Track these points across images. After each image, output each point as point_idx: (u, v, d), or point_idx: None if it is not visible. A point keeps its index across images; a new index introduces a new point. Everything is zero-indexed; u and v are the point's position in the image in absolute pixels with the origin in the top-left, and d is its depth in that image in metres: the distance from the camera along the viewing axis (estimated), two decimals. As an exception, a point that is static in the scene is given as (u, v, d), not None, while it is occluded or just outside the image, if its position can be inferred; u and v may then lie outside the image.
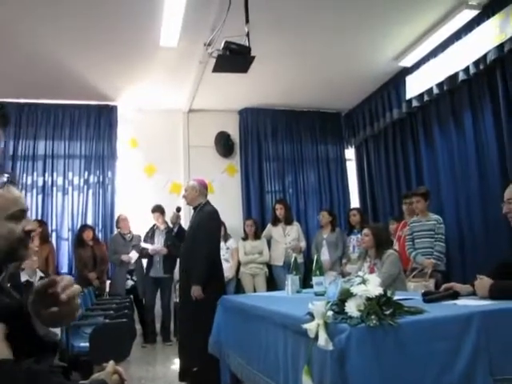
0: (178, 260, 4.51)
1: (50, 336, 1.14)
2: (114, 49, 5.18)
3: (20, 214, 1.19)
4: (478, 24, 4.68)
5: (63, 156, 6.70)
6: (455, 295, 2.12)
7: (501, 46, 4.41)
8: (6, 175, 1.21)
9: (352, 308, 1.57)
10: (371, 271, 3.88)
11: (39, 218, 6.28)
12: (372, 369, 1.49)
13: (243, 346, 2.70)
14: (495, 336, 1.65)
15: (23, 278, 3.78)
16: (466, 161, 5.21)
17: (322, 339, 1.56)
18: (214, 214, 4.09)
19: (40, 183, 6.55)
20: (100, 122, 6.86)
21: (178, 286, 5.05)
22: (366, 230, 4.19)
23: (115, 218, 6.52)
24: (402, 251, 4.87)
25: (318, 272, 2.98)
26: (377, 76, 6.32)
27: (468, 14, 4.71)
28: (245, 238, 6.50)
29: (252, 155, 7.32)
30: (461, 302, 2.01)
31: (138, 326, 5.64)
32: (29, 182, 6.48)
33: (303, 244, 6.53)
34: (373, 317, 1.53)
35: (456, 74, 5.07)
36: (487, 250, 4.82)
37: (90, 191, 6.74)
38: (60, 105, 6.69)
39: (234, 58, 3.81)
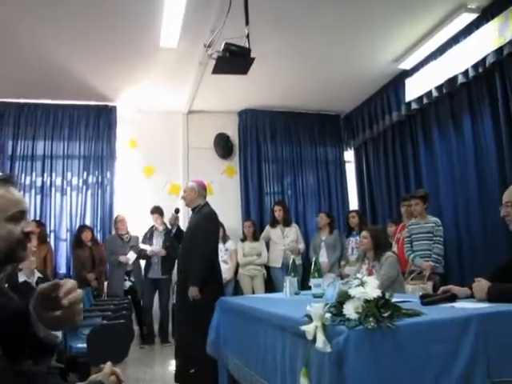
0: (176, 261, 4.50)
1: (51, 338, 1.13)
2: (113, 49, 5.18)
3: (20, 216, 1.19)
4: (477, 27, 4.70)
5: (62, 156, 6.69)
6: (453, 298, 2.13)
7: (500, 50, 4.42)
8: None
9: (350, 310, 1.58)
10: (369, 273, 3.88)
11: (38, 218, 6.27)
12: (370, 371, 1.49)
13: (241, 348, 2.70)
14: (493, 339, 1.65)
15: (21, 278, 3.77)
16: (465, 163, 5.22)
17: (320, 341, 1.56)
18: (212, 215, 4.09)
19: (39, 183, 6.54)
20: (99, 122, 6.86)
21: (175, 288, 5.05)
22: (364, 233, 4.19)
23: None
24: (401, 253, 4.88)
25: (316, 274, 2.98)
26: (376, 78, 6.33)
27: (467, 18, 4.72)
28: (243, 240, 6.50)
29: (251, 157, 7.32)
30: (459, 304, 2.01)
31: (135, 327, 5.63)
32: (27, 182, 6.47)
33: (302, 246, 6.53)
34: (371, 319, 1.53)
35: (455, 77, 5.08)
36: (485, 252, 4.82)
37: (89, 192, 6.73)
38: (59, 105, 6.69)
39: (234, 60, 3.81)
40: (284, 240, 6.42)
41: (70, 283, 1.08)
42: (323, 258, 6.19)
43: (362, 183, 7.60)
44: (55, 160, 6.66)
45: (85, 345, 3.25)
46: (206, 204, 4.15)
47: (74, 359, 3.29)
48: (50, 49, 5.07)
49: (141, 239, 6.26)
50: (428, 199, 4.94)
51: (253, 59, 3.81)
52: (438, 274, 4.68)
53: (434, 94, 5.46)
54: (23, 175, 6.46)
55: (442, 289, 2.28)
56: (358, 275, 1.76)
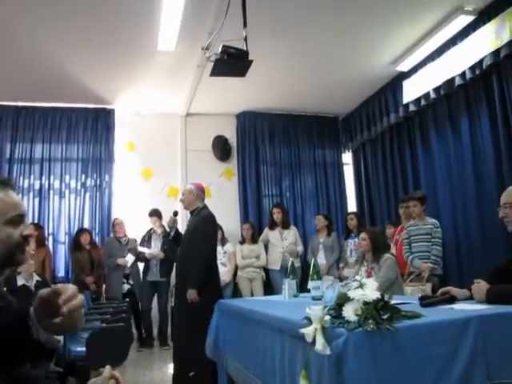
0: (175, 264, 4.50)
1: (52, 342, 1.13)
2: (111, 52, 5.18)
3: (18, 219, 1.19)
4: (474, 29, 4.71)
5: (60, 159, 6.69)
6: (452, 299, 2.13)
7: (497, 52, 4.44)
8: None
9: (349, 312, 1.58)
10: (368, 275, 3.88)
11: (36, 221, 6.26)
12: (369, 373, 1.49)
13: (240, 351, 2.70)
14: (492, 340, 1.65)
15: (19, 281, 3.77)
16: (463, 165, 5.23)
17: (320, 344, 1.56)
18: (210, 217, 4.09)
19: (37, 186, 6.54)
20: (97, 125, 6.86)
21: (174, 290, 5.04)
22: (363, 234, 4.19)
23: (112, 221, 6.50)
24: (399, 255, 4.88)
25: (315, 276, 2.98)
26: (374, 80, 6.34)
27: (464, 20, 4.74)
28: (242, 242, 6.50)
29: (249, 159, 7.32)
30: (458, 306, 2.01)
31: (133, 331, 5.62)
32: (25, 185, 6.46)
33: (300, 248, 6.53)
34: (370, 321, 1.53)
35: (452, 79, 5.09)
36: (484, 254, 4.83)
37: (87, 195, 6.72)
38: (57, 108, 6.69)
39: (232, 62, 3.81)
40: (283, 242, 6.42)
41: (70, 290, 1.06)
42: (321, 260, 6.18)
43: (361, 185, 7.60)
44: (53, 163, 6.65)
45: (84, 348, 3.24)
46: (205, 207, 4.16)
47: (73, 363, 3.28)
48: (49, 50, 5.06)
49: (139, 242, 6.25)
50: (426, 201, 4.95)
51: (251, 61, 3.81)
52: (436, 276, 4.68)
53: (432, 95, 5.47)
54: (21, 178, 6.45)
55: (441, 290, 2.28)
56: (357, 277, 1.76)
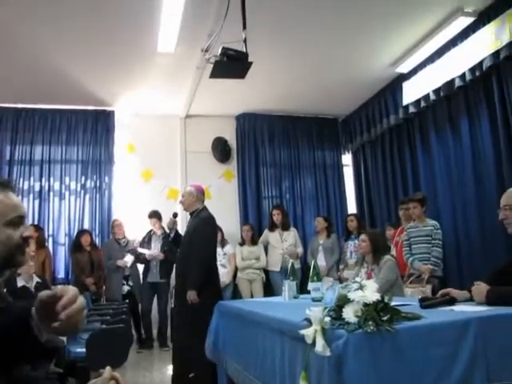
0: (174, 265, 4.49)
1: (55, 341, 1.12)
2: (111, 54, 5.18)
3: (18, 221, 1.19)
4: (474, 31, 4.72)
5: (60, 161, 6.69)
6: (452, 301, 2.13)
7: (496, 53, 4.44)
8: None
9: (349, 314, 1.58)
10: (368, 277, 3.89)
11: (36, 222, 6.25)
12: (369, 375, 1.49)
13: (240, 352, 2.70)
14: (492, 342, 1.65)
15: (20, 283, 3.77)
16: (463, 167, 5.23)
17: (320, 345, 1.55)
18: (210, 219, 4.09)
19: (37, 188, 6.54)
20: (97, 127, 6.86)
21: (174, 292, 5.04)
22: (363, 236, 4.19)
23: (112, 223, 6.50)
24: (399, 257, 4.88)
25: (315, 278, 2.98)
26: (374, 82, 6.34)
27: (464, 21, 4.75)
28: (242, 244, 6.50)
29: (249, 161, 7.33)
30: (458, 307, 2.01)
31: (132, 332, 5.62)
32: (25, 186, 6.46)
33: (300, 250, 6.53)
34: (370, 323, 1.53)
35: (452, 81, 5.09)
36: (484, 255, 4.83)
37: (87, 196, 6.72)
38: (57, 110, 6.70)
39: (232, 64, 3.81)
40: (282, 244, 6.41)
41: (70, 293, 1.04)
42: (321, 261, 6.18)
43: (360, 187, 7.60)
44: (53, 165, 6.66)
45: (84, 349, 3.24)
46: (204, 208, 4.16)
47: (73, 364, 3.27)
48: (49, 51, 5.06)
49: (136, 242, 6.26)
50: (426, 202, 4.95)
51: (250, 63, 3.81)
52: (436, 278, 4.68)
53: (432, 97, 5.47)
54: (21, 180, 6.45)
55: (441, 292, 2.28)
56: (357, 279, 1.76)
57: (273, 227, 6.57)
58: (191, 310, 3.77)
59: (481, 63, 4.65)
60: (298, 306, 2.61)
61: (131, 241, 6.29)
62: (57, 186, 6.64)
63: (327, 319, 1.62)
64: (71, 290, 1.05)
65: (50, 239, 6.46)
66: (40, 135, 6.62)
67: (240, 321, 2.77)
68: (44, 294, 1.05)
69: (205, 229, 4.01)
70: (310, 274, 3.02)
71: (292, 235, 6.52)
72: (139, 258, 6.13)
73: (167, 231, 4.92)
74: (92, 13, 4.38)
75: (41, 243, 5.74)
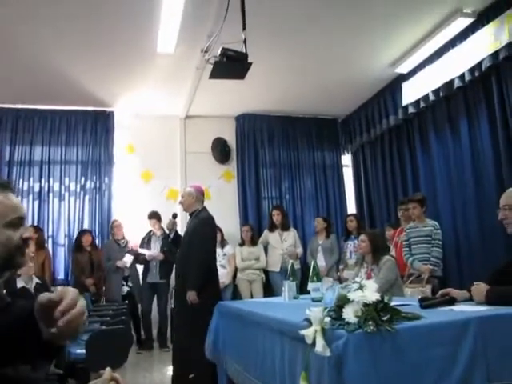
0: (174, 266, 4.50)
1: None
2: (111, 55, 5.18)
3: (18, 222, 1.19)
4: (473, 32, 4.72)
5: (60, 162, 6.69)
6: (452, 301, 2.13)
7: (496, 54, 4.45)
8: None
9: (349, 314, 1.58)
10: (368, 277, 3.88)
11: (35, 223, 6.25)
12: (369, 375, 1.49)
13: (240, 352, 2.70)
14: (492, 342, 1.65)
15: (19, 284, 3.76)
16: (462, 167, 5.23)
17: (320, 345, 1.55)
18: (209, 219, 4.10)
19: (36, 189, 6.54)
20: (97, 127, 6.86)
21: (174, 292, 5.04)
22: (362, 236, 4.19)
23: (112, 224, 6.50)
24: (399, 257, 4.88)
25: (315, 278, 2.98)
26: (373, 82, 6.35)
27: (463, 22, 4.75)
28: (242, 244, 6.50)
29: (249, 161, 7.33)
30: (457, 307, 2.01)
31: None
32: (25, 187, 6.46)
33: (300, 250, 6.53)
34: (370, 323, 1.53)
35: (452, 81, 5.10)
36: (483, 255, 4.83)
37: (87, 197, 6.72)
38: (57, 110, 6.70)
39: (231, 65, 3.81)
40: (282, 244, 6.41)
41: (69, 296, 1.01)
42: (321, 262, 6.18)
43: (360, 187, 7.61)
44: (53, 165, 6.66)
45: (84, 350, 3.24)
46: (204, 209, 4.17)
47: (73, 365, 3.28)
48: (49, 51, 5.06)
49: (133, 242, 6.26)
50: (426, 202, 4.95)
51: (250, 64, 3.81)
52: (436, 278, 4.69)
53: (431, 97, 5.47)
54: (21, 181, 6.45)
55: (440, 292, 2.28)
56: (357, 279, 1.76)
57: (272, 228, 6.57)
58: (191, 311, 3.77)
59: (480, 64, 4.66)
60: (297, 306, 2.61)
61: (129, 241, 6.28)
62: (56, 186, 6.64)
63: (327, 319, 1.62)
64: (71, 292, 1.03)
65: (50, 240, 6.45)
66: (40, 136, 6.62)
67: (240, 321, 2.77)
68: (43, 297, 1.02)
69: (204, 229, 4.02)
70: (310, 275, 3.02)
71: (292, 236, 6.52)
72: (139, 258, 6.13)
73: (167, 232, 4.92)
74: (92, 14, 4.39)
75: (40, 244, 5.74)
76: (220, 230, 5.90)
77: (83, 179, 6.73)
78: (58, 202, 6.61)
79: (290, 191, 7.48)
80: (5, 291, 1.37)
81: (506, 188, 2.53)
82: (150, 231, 6.28)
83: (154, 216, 6.22)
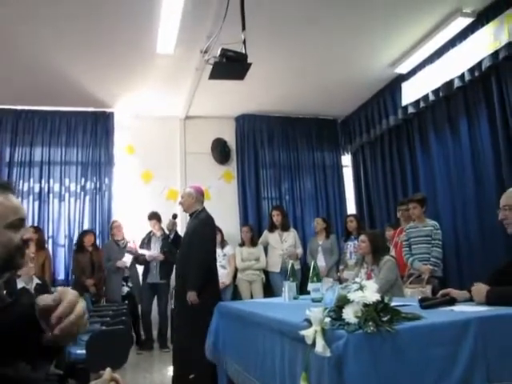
0: (174, 266, 4.50)
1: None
2: (110, 55, 5.18)
3: (19, 223, 1.19)
4: (473, 32, 4.72)
5: (60, 162, 6.69)
6: (452, 301, 2.13)
7: (495, 54, 4.45)
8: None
9: (349, 314, 1.58)
10: (368, 277, 3.88)
11: (35, 224, 6.25)
12: (370, 375, 1.49)
13: (240, 353, 2.70)
14: (492, 342, 1.65)
15: (19, 284, 3.76)
16: (462, 167, 5.23)
17: (320, 346, 1.55)
18: (209, 220, 4.10)
19: (36, 190, 6.54)
20: (97, 128, 6.87)
21: (174, 293, 5.04)
22: (362, 237, 4.19)
23: (112, 224, 6.50)
24: (399, 257, 4.88)
25: (315, 278, 2.98)
26: (373, 83, 6.35)
27: (463, 22, 4.75)
28: (242, 245, 6.50)
29: (248, 162, 7.33)
30: (458, 308, 2.01)
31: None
32: (25, 188, 6.47)
33: (300, 251, 6.53)
34: (370, 323, 1.53)
35: (451, 81, 5.10)
36: (484, 256, 4.83)
37: (87, 198, 6.73)
38: (57, 111, 6.70)
39: (231, 65, 3.81)
40: (282, 245, 6.41)
41: (65, 302, 0.98)
42: (321, 262, 6.18)
43: (360, 187, 7.60)
44: (53, 166, 6.66)
45: (84, 351, 3.24)
46: (204, 209, 4.17)
47: (73, 365, 3.28)
48: (49, 52, 5.07)
49: (132, 242, 6.26)
50: (426, 203, 4.95)
51: (249, 64, 3.81)
52: (436, 278, 4.69)
53: (431, 97, 5.47)
54: (21, 181, 6.45)
55: (441, 292, 2.28)
56: (357, 279, 1.76)
57: (272, 228, 6.57)
58: (191, 311, 3.77)
59: (480, 64, 4.66)
60: (297, 306, 2.61)
61: (128, 241, 6.29)
62: (56, 187, 6.64)
63: (327, 320, 1.62)
64: (69, 295, 1.01)
65: (50, 241, 6.46)
66: (40, 137, 6.63)
67: (240, 322, 2.77)
68: (40, 300, 1.01)
69: (204, 230, 4.02)
70: (310, 275, 3.02)
71: (292, 236, 6.52)
72: (139, 259, 6.13)
73: (167, 232, 4.92)
74: (92, 14, 4.39)
75: (40, 245, 5.74)
76: (220, 231, 5.91)
77: (83, 180, 6.74)
78: (58, 202, 6.61)
79: (290, 192, 7.48)
80: (5, 292, 1.37)
81: (506, 188, 2.53)
82: (150, 232, 6.28)
83: (154, 217, 6.22)
